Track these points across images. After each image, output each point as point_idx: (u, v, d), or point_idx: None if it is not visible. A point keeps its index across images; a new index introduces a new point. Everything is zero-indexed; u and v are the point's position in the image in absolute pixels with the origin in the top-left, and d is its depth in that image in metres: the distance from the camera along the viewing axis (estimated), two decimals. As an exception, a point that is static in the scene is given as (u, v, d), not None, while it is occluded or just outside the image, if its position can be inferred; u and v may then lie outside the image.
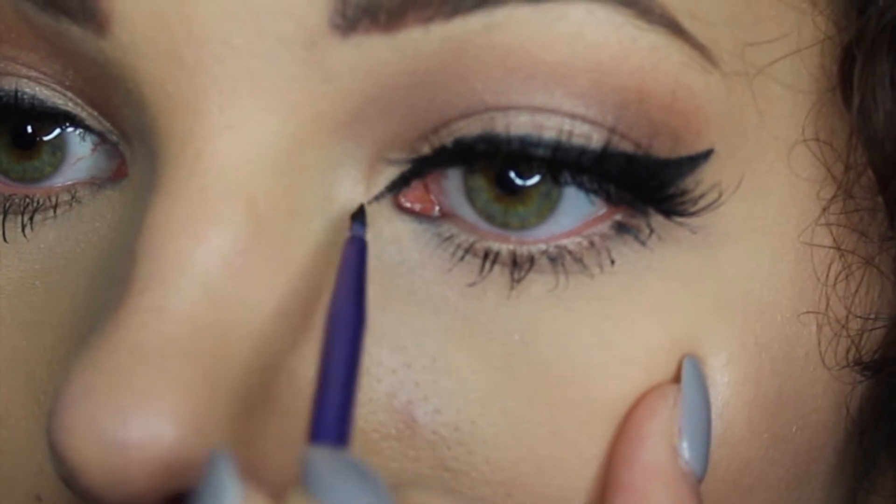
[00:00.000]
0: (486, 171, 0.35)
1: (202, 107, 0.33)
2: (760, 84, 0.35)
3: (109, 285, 0.35)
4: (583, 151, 0.34)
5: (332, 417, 0.30)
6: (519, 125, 0.33)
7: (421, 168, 0.35)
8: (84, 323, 0.36)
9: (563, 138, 0.33)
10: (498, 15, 0.32)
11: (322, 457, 0.29)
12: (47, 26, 0.34)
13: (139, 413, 0.31)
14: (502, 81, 0.33)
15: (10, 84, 0.36)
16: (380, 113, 0.34)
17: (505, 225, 0.35)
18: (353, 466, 0.29)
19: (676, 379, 0.35)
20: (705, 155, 0.34)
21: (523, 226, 0.35)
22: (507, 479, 0.34)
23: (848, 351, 0.37)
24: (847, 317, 0.37)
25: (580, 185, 0.34)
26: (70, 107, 0.36)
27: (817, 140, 0.36)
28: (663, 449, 0.34)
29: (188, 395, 0.31)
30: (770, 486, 0.37)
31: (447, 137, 0.34)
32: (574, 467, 0.34)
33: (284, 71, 0.33)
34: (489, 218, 0.35)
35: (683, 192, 0.34)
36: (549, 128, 0.33)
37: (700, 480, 0.35)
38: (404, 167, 0.35)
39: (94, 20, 0.33)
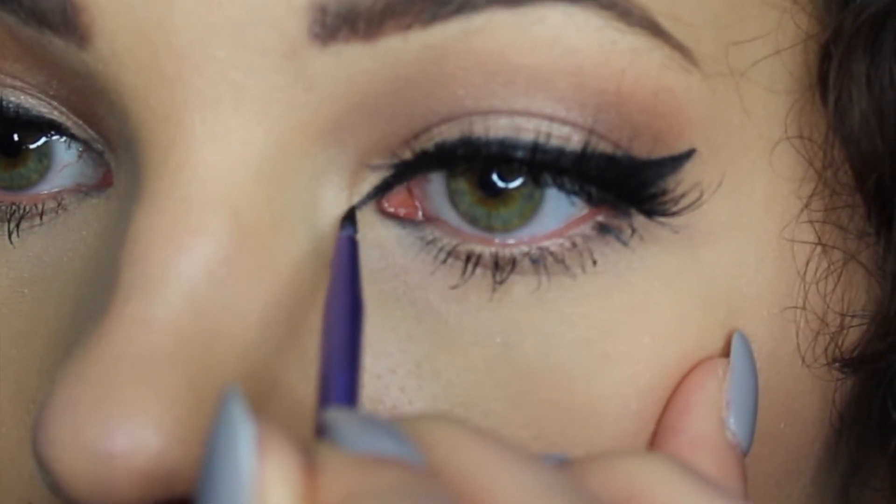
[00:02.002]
0: (468, 174, 0.35)
1: (184, 118, 0.33)
2: (743, 83, 0.35)
3: (95, 295, 0.35)
4: (562, 153, 0.34)
5: (341, 390, 0.30)
6: (498, 128, 0.34)
7: (403, 173, 0.35)
8: (71, 332, 0.36)
9: (542, 140, 0.33)
10: (476, 20, 0.32)
11: (340, 414, 0.29)
12: (30, 38, 0.34)
13: (124, 424, 0.31)
14: (483, 87, 0.33)
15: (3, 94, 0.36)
16: (362, 120, 0.34)
17: (488, 228, 0.35)
18: (370, 418, 0.29)
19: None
20: (687, 155, 0.34)
21: (506, 228, 0.35)
22: None
23: (827, 347, 0.38)
24: (826, 313, 0.37)
25: (561, 187, 0.34)
26: (55, 115, 0.37)
27: (799, 137, 0.36)
28: (711, 420, 0.34)
29: (172, 405, 0.31)
30: (759, 483, 0.37)
31: (428, 142, 0.34)
32: None
33: (266, 81, 0.33)
34: (473, 221, 0.35)
35: (664, 192, 0.34)
36: (528, 130, 0.33)
37: (745, 454, 0.35)
38: (387, 173, 0.35)
39: (76, 33, 0.33)
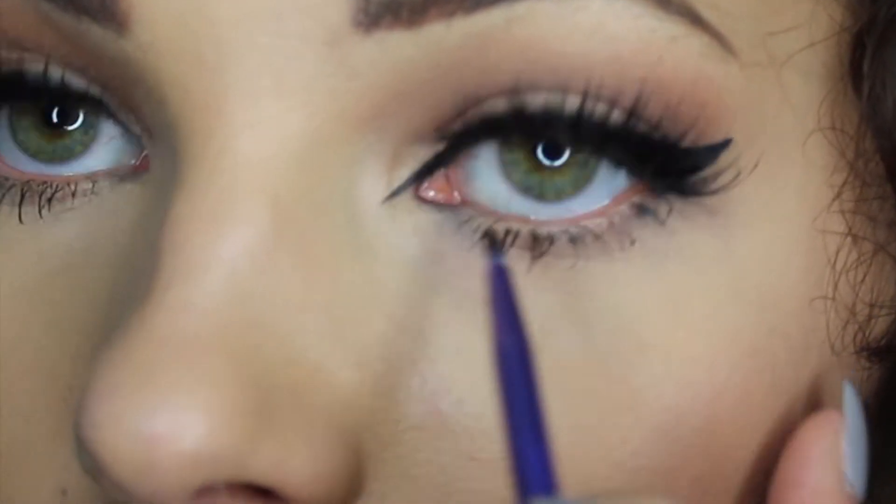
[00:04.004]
0: (520, 145, 0.35)
1: (224, 106, 0.33)
2: (779, 74, 0.35)
3: (132, 281, 0.35)
4: (606, 115, 0.34)
5: (538, 469, 0.30)
6: (543, 91, 0.34)
7: (452, 149, 0.35)
8: (106, 319, 0.36)
9: (588, 105, 0.34)
10: (519, 8, 0.33)
11: None
12: (68, 26, 0.35)
13: (168, 407, 0.31)
14: (524, 73, 0.33)
15: (38, 66, 0.36)
16: (402, 107, 0.34)
17: (541, 196, 0.35)
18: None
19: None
20: (724, 144, 0.35)
21: (559, 197, 0.35)
22: None
23: (855, 337, 0.38)
24: (855, 303, 0.38)
25: (607, 154, 0.35)
26: (97, 92, 0.37)
27: (832, 128, 0.37)
28: (831, 473, 0.35)
29: (215, 388, 0.32)
30: None
31: (473, 118, 0.34)
32: (597, 456, 0.35)
33: (307, 69, 0.33)
34: (525, 190, 0.35)
35: (702, 173, 0.35)
36: (573, 94, 0.34)
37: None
38: (427, 156, 0.35)
39: (115, 20, 0.33)
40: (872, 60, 0.36)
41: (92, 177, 0.37)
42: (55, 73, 0.36)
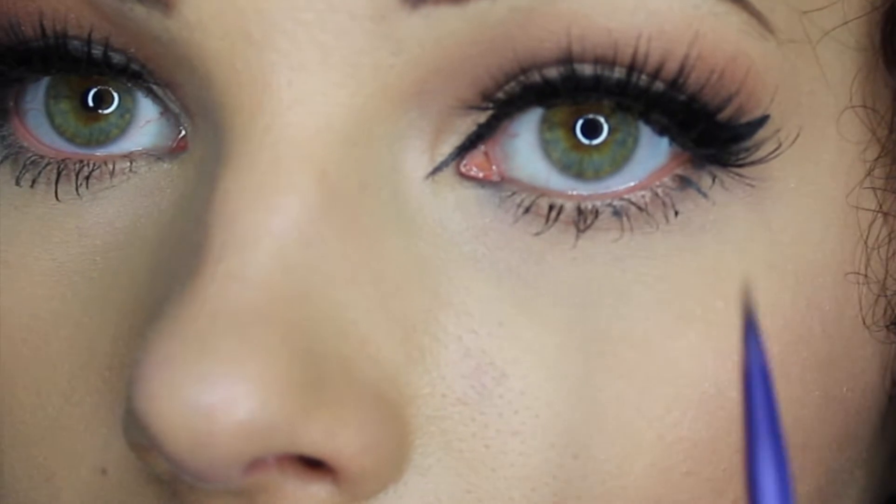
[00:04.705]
0: (562, 123, 0.35)
1: (271, 82, 0.33)
2: (813, 51, 0.36)
3: (175, 258, 0.35)
4: (653, 77, 0.34)
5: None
6: (595, 45, 0.34)
7: (499, 116, 0.35)
8: (147, 298, 0.36)
9: (640, 57, 0.34)
10: None
11: None
12: (110, 7, 0.35)
13: (223, 378, 0.31)
14: (567, 49, 0.34)
15: (81, 38, 0.36)
16: (445, 82, 0.34)
17: (580, 174, 0.35)
18: None
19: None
20: (761, 121, 0.35)
21: (597, 175, 0.35)
22: (573, 441, 0.35)
23: (886, 312, 0.38)
24: (886, 278, 0.38)
25: (649, 120, 0.35)
26: (137, 67, 0.37)
27: (863, 106, 0.37)
28: None
29: (269, 360, 0.32)
30: (822, 446, 0.38)
31: (517, 86, 0.34)
32: (638, 429, 0.35)
33: (354, 44, 0.33)
34: (565, 168, 0.35)
35: (742, 143, 0.35)
36: (624, 50, 0.34)
37: None
38: (472, 127, 0.35)
39: (161, 0, 0.34)
40: None
41: (129, 156, 0.38)
42: (97, 48, 0.36)
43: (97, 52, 0.36)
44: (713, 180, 0.35)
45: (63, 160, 0.38)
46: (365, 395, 0.33)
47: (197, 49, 0.34)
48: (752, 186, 0.36)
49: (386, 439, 0.34)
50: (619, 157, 0.35)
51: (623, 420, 0.35)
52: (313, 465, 0.33)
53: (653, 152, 0.35)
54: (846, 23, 0.36)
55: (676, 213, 0.35)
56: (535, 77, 0.34)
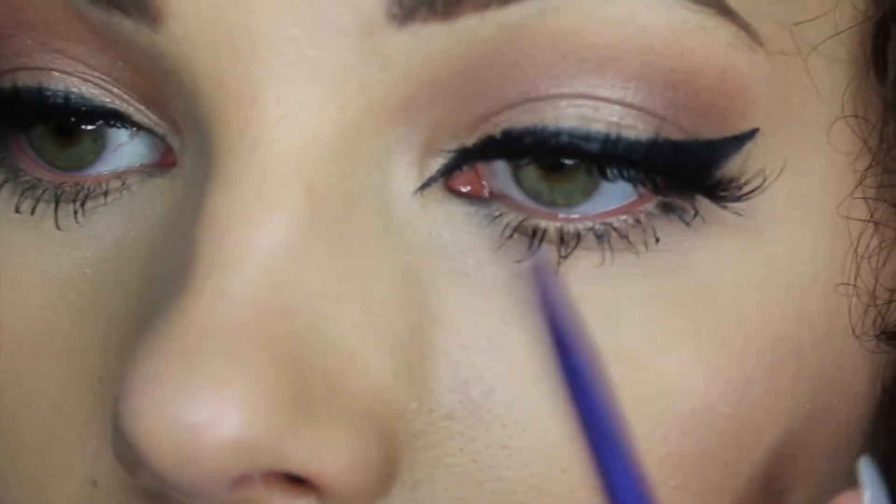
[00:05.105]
0: (534, 163, 0.35)
1: (258, 97, 0.33)
2: (804, 62, 0.36)
3: (164, 273, 0.35)
4: (632, 145, 0.34)
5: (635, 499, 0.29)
6: (568, 117, 0.34)
7: (468, 158, 0.35)
8: (137, 311, 0.36)
9: (613, 131, 0.34)
10: (552, 0, 0.33)
11: None
12: (98, 20, 0.35)
13: (210, 396, 0.31)
14: (555, 66, 0.33)
15: (58, 84, 0.37)
16: (434, 99, 0.34)
17: (552, 203, 0.35)
18: None
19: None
20: (750, 134, 0.35)
21: (569, 202, 0.35)
22: (562, 456, 0.35)
23: (875, 321, 0.38)
24: (876, 288, 0.38)
25: (628, 179, 0.35)
26: (117, 104, 0.37)
27: (855, 116, 0.37)
28: None
29: (256, 377, 0.32)
30: (813, 456, 0.38)
31: (495, 129, 0.34)
32: None
33: (341, 60, 0.33)
34: (536, 197, 0.35)
35: (729, 179, 0.35)
36: (599, 121, 0.34)
37: None
38: (454, 153, 0.35)
39: (148, 14, 0.34)
40: None
41: (122, 175, 0.38)
42: (74, 90, 0.37)
43: (73, 100, 0.37)
44: (695, 214, 0.35)
45: (61, 184, 0.38)
46: (352, 412, 0.33)
47: (184, 63, 0.34)
48: (741, 215, 0.36)
49: (373, 456, 0.34)
50: (589, 186, 0.35)
51: None
52: (300, 480, 0.33)
53: (632, 189, 0.35)
54: (837, 34, 0.36)
55: (658, 241, 0.35)
56: (507, 134, 0.34)
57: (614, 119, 0.34)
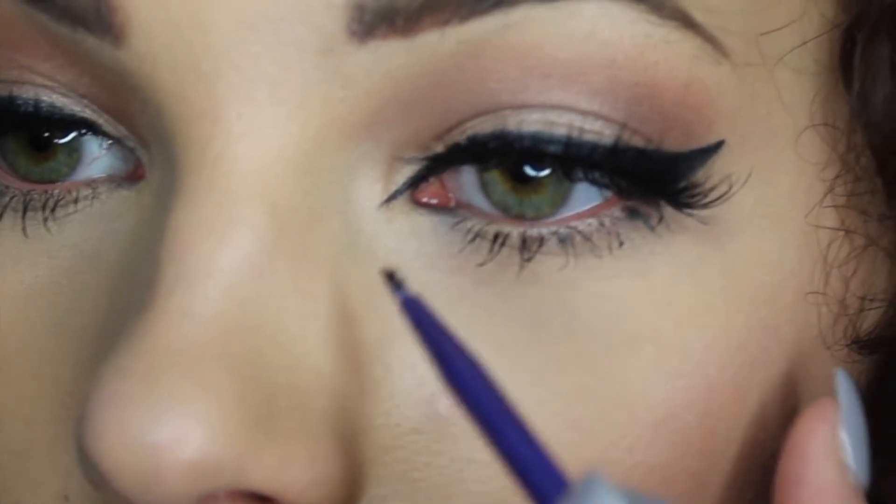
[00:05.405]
0: (500, 166, 0.35)
1: (220, 114, 0.33)
2: (771, 72, 0.36)
3: (132, 288, 0.35)
4: (594, 147, 0.34)
5: (542, 473, 0.30)
6: (531, 122, 0.34)
7: (436, 166, 0.35)
8: (106, 325, 0.36)
9: (574, 134, 0.34)
10: (514, 15, 0.33)
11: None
12: (63, 36, 0.35)
13: (170, 416, 0.31)
14: (518, 80, 0.33)
15: (28, 92, 0.37)
16: (397, 114, 0.34)
17: (520, 216, 0.35)
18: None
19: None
20: (716, 147, 0.35)
21: (538, 215, 0.35)
22: None
23: (846, 330, 0.38)
24: (846, 296, 0.38)
25: (592, 181, 0.35)
26: (87, 114, 0.37)
27: (824, 124, 0.37)
28: (833, 466, 0.35)
29: (217, 397, 0.32)
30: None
31: (460, 135, 0.34)
32: (593, 454, 0.35)
33: (302, 77, 0.33)
34: (505, 209, 0.35)
35: (695, 186, 0.35)
36: (561, 124, 0.34)
37: (865, 491, 0.35)
38: (420, 165, 0.35)
39: (111, 31, 0.34)
40: (863, 56, 0.36)
41: (92, 184, 0.38)
42: (45, 98, 0.37)
43: (45, 107, 0.37)
44: (660, 219, 0.35)
45: (28, 191, 0.38)
46: (317, 428, 0.33)
47: (147, 80, 0.34)
48: (706, 223, 0.36)
49: (338, 472, 0.34)
50: (558, 197, 0.35)
51: (578, 446, 0.35)
52: (265, 497, 0.33)
53: (598, 193, 0.35)
54: (804, 43, 0.36)
55: (622, 244, 0.35)
56: (472, 140, 0.34)
57: (576, 123, 0.34)
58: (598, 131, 0.34)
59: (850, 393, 0.36)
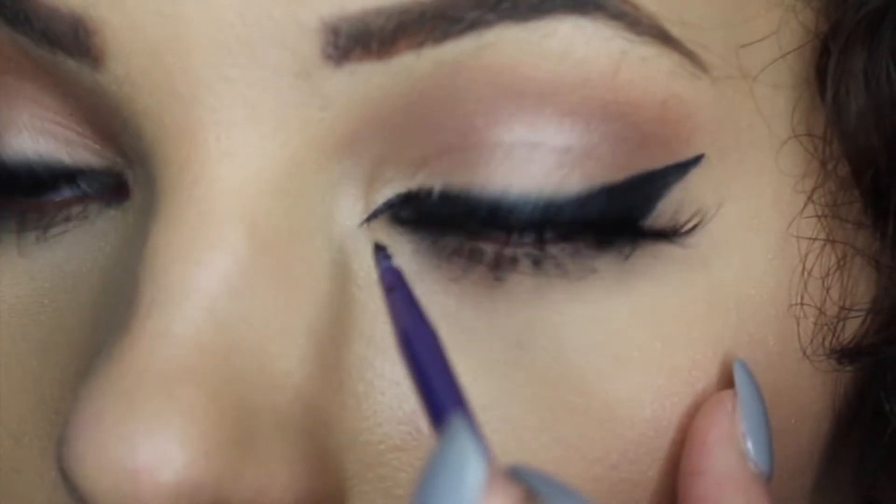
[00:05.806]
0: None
1: (199, 136, 0.33)
2: (750, 86, 0.35)
3: (114, 308, 0.35)
4: (560, 208, 0.34)
5: (443, 390, 0.31)
6: (499, 176, 0.34)
7: (410, 201, 0.35)
8: (91, 343, 0.36)
9: (542, 197, 0.34)
10: (488, 36, 0.33)
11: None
12: (44, 59, 0.35)
13: (148, 439, 0.31)
14: (494, 100, 0.33)
15: (13, 146, 0.37)
16: (376, 133, 0.34)
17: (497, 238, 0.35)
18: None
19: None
20: (695, 161, 0.35)
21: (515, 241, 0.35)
22: None
23: (826, 340, 0.38)
24: (827, 306, 0.38)
25: (566, 239, 0.35)
26: (76, 161, 0.37)
27: (804, 135, 0.37)
28: (731, 455, 0.35)
29: (196, 418, 0.32)
30: (773, 478, 0.38)
31: (433, 184, 0.35)
32: (577, 471, 0.35)
33: (280, 98, 0.33)
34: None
35: (667, 220, 0.35)
36: (532, 175, 0.34)
37: (769, 479, 0.35)
38: (400, 187, 0.35)
39: (89, 54, 0.34)
40: (837, 66, 0.36)
41: (84, 201, 0.38)
42: (33, 157, 0.37)
43: (35, 167, 0.37)
44: (633, 249, 0.35)
45: (23, 211, 0.38)
46: (298, 448, 0.34)
47: (126, 103, 0.34)
48: (685, 247, 0.36)
49: (319, 491, 0.34)
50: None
51: (563, 463, 0.35)
52: None
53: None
54: (784, 55, 0.36)
55: (594, 271, 0.35)
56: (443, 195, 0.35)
57: (547, 175, 0.34)
58: (569, 175, 0.34)
59: (748, 383, 0.36)
